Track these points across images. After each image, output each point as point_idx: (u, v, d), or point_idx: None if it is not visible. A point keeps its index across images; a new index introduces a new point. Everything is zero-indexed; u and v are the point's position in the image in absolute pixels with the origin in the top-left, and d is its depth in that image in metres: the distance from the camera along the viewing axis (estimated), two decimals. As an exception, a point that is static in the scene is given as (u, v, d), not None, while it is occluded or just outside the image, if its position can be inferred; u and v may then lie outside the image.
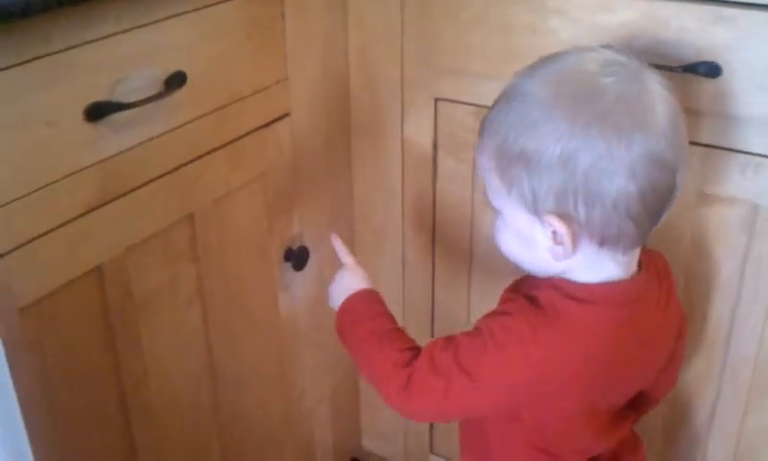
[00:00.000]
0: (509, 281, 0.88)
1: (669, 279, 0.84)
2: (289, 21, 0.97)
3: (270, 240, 1.04)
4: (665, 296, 0.81)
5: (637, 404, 0.88)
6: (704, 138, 0.90)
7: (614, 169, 0.67)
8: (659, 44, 0.88)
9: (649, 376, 0.85)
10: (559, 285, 0.75)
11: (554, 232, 0.72)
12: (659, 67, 0.84)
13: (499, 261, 1.14)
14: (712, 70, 0.85)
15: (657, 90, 0.70)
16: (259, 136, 0.97)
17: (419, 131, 1.11)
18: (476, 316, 1.19)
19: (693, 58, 0.86)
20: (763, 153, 0.88)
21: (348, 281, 0.90)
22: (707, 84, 0.87)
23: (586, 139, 0.66)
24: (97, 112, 0.75)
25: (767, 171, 0.88)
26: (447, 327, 1.22)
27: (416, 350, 0.80)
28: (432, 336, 1.22)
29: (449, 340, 0.78)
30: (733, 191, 0.91)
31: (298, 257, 1.07)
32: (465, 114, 1.06)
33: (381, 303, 0.88)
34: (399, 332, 0.84)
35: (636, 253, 0.77)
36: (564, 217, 0.70)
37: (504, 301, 0.82)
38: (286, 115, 1.01)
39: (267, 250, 1.04)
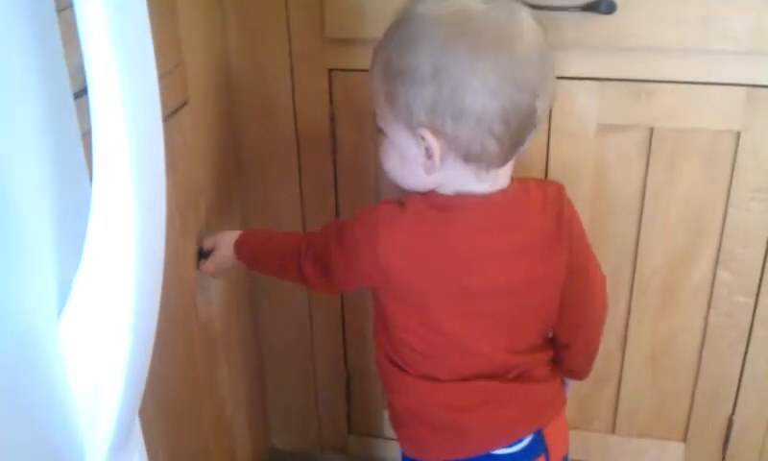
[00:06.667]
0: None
1: (556, 206, 0.85)
2: None
3: (183, 240, 0.96)
4: (548, 221, 0.84)
5: (557, 341, 0.92)
6: (600, 72, 0.98)
7: (478, 86, 0.72)
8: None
9: (512, 293, 0.84)
10: (426, 195, 0.82)
11: (426, 147, 0.76)
12: (561, 8, 0.90)
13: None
14: (609, 7, 0.92)
15: (527, 21, 0.75)
16: (166, 128, 0.89)
17: (313, 105, 1.07)
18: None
19: (590, -3, 0.92)
20: (655, 78, 0.97)
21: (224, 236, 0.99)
22: (602, 22, 0.93)
23: (454, 56, 0.72)
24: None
25: (659, 95, 0.98)
26: (355, 320, 1.21)
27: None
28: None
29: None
30: (630, 118, 1.00)
31: (215, 255, 1.00)
32: (361, 83, 1.05)
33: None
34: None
35: (502, 173, 0.81)
36: (435, 131, 0.75)
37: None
38: (185, 104, 0.94)
39: (181, 251, 0.96)
